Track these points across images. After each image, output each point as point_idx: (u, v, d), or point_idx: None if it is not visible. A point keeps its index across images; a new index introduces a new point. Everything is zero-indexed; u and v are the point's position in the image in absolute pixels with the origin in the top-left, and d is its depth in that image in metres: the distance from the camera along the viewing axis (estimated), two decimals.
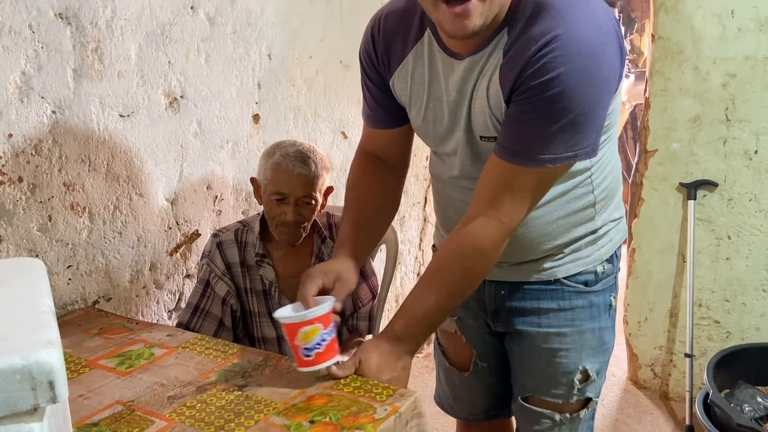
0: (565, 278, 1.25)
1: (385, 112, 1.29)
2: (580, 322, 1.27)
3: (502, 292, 1.30)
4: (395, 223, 2.88)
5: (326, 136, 2.37)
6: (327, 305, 1.13)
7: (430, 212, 3.16)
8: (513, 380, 1.39)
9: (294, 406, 1.09)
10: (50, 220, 1.47)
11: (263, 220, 1.68)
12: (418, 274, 3.15)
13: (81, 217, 1.54)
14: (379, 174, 1.34)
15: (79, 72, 1.49)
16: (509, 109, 1.05)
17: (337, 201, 2.47)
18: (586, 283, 1.26)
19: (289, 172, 1.56)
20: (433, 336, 1.53)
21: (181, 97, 1.76)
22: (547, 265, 1.24)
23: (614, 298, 1.31)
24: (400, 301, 3.00)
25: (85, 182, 1.53)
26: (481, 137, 1.13)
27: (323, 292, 1.20)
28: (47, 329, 0.65)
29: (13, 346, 0.61)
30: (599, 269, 1.27)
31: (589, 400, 1.32)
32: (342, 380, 1.15)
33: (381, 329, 1.83)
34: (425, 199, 3.11)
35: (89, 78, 1.51)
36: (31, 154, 1.42)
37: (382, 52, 1.22)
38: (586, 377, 1.29)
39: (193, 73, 1.78)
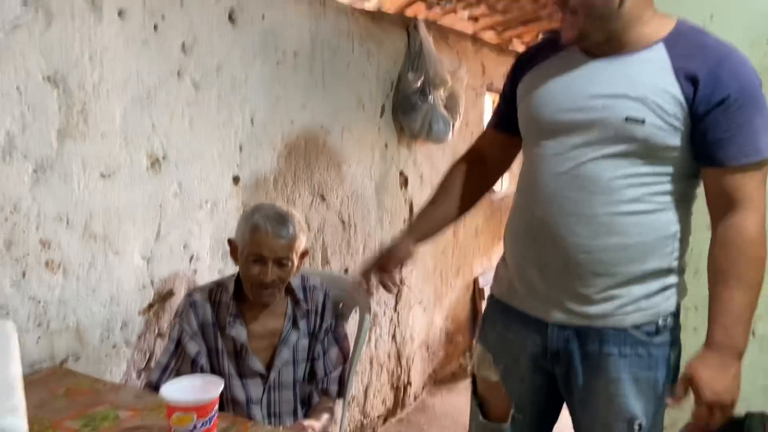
0: (631, 327, 1.31)
1: (509, 117, 1.46)
2: (636, 370, 1.31)
3: (566, 334, 1.35)
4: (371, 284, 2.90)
5: (305, 198, 2.41)
6: (208, 397, 1.14)
7: (406, 274, 3.19)
8: (575, 426, 1.44)
9: None
10: (24, 276, 1.48)
11: (238, 281, 1.69)
12: (393, 336, 3.15)
13: (55, 274, 1.54)
14: (477, 174, 1.56)
15: (63, 132, 1.52)
16: (719, 122, 1.19)
17: (314, 264, 2.49)
18: (648, 334, 1.31)
19: (267, 234, 1.59)
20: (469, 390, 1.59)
21: (163, 158, 1.80)
22: (617, 311, 1.30)
23: (674, 353, 1.35)
24: (374, 364, 3.00)
25: (61, 240, 1.55)
26: (627, 118, 1.22)
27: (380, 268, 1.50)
28: (12, 396, 0.66)
29: None
30: (661, 323, 1.31)
31: None
32: None
33: (350, 393, 1.83)
34: None
35: (73, 138, 1.54)
36: (10, 211, 1.43)
37: (525, 61, 1.42)
38: (640, 425, 1.32)
39: (177, 135, 1.83)
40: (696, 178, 1.30)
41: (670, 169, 1.26)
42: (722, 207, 1.24)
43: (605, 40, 1.25)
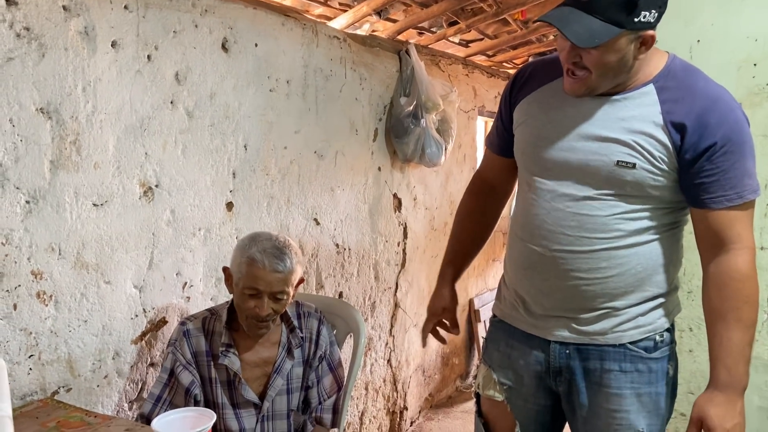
0: (629, 343, 1.35)
1: (509, 141, 1.48)
2: (638, 385, 1.35)
3: (567, 352, 1.39)
4: (366, 308, 2.90)
5: (298, 222, 2.42)
6: (199, 430, 1.17)
7: (401, 297, 3.18)
8: None
9: None
10: (15, 308, 1.47)
11: (231, 309, 1.68)
12: (388, 361, 3.13)
13: (47, 305, 1.53)
14: (488, 204, 1.62)
15: (56, 163, 1.53)
16: (704, 167, 1.22)
17: (308, 288, 2.48)
18: (646, 349, 1.35)
19: (264, 269, 1.58)
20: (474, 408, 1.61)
21: (156, 186, 1.80)
22: (616, 329, 1.34)
23: (671, 367, 1.38)
24: (370, 390, 2.97)
25: (53, 271, 1.54)
26: (618, 162, 1.25)
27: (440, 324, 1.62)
28: None
29: None
30: (658, 338, 1.36)
31: None
32: None
33: (345, 419, 1.82)
34: (396, 284, 3.14)
35: (65, 169, 1.55)
36: (2, 243, 1.43)
37: (520, 85, 1.43)
38: None
39: (170, 163, 1.83)
40: (687, 208, 1.33)
41: (661, 204, 1.30)
42: (711, 245, 1.27)
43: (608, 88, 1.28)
